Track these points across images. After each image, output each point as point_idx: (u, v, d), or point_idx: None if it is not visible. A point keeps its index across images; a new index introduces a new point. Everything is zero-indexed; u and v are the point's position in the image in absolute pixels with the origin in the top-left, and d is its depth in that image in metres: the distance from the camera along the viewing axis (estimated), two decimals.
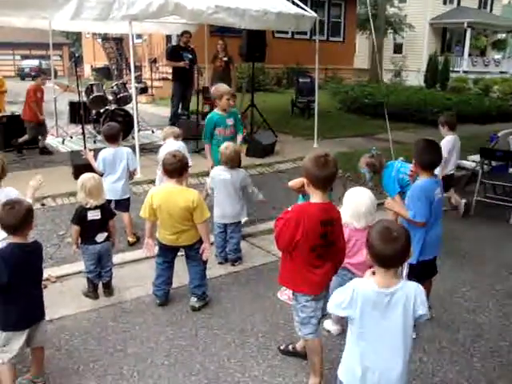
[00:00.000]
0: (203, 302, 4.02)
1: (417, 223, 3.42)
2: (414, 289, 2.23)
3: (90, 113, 9.65)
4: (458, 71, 25.74)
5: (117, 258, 4.60)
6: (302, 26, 8.60)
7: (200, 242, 3.87)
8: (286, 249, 2.85)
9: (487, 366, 3.34)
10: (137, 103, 10.30)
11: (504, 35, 30.53)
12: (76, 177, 5.54)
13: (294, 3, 8.71)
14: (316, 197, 2.79)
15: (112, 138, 5.09)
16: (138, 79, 19.10)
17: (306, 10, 8.72)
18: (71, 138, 9.47)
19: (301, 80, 13.37)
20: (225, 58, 10.21)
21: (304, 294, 2.92)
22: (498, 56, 29.91)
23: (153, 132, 10.37)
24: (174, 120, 10.48)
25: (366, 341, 2.25)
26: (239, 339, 3.57)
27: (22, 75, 31.25)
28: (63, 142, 9.22)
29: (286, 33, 18.39)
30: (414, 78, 23.44)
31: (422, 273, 3.58)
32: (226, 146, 4.78)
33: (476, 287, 4.47)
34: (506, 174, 7.01)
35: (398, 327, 2.21)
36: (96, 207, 3.95)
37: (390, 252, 2.13)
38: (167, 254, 3.99)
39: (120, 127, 5.31)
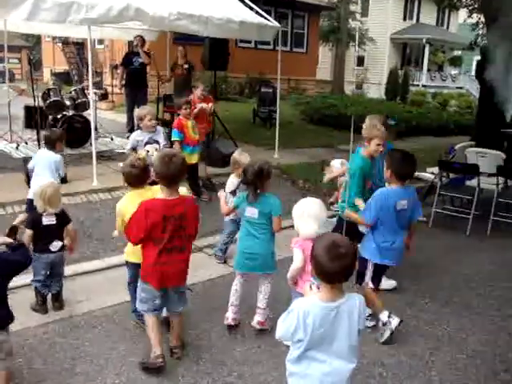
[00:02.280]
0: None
1: (363, 222, 3.66)
2: (358, 300, 2.21)
3: (46, 118, 9.33)
4: (418, 85, 26.43)
5: (68, 270, 4.39)
6: (264, 35, 8.58)
7: None
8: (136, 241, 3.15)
9: (445, 380, 3.32)
10: (96, 109, 10.10)
11: (460, 52, 31.58)
12: (29, 184, 5.33)
13: (257, 13, 8.69)
14: (162, 192, 3.12)
15: (48, 143, 5.21)
16: (99, 85, 18.83)
17: (269, 20, 8.71)
18: (26, 143, 9.11)
19: (263, 90, 13.40)
20: (185, 66, 10.11)
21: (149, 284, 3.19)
22: (454, 72, 30.87)
23: (112, 139, 10.12)
24: (132, 127, 10.33)
25: (314, 356, 2.18)
26: (194, 355, 3.44)
27: None
28: (17, 148, 8.86)
29: (249, 42, 18.43)
30: (376, 90, 23.94)
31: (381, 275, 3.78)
32: None
33: (435, 299, 4.48)
34: (463, 186, 7.14)
35: (345, 338, 2.17)
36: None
37: (338, 269, 2.06)
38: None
39: (60, 134, 5.44)
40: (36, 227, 3.74)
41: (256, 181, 3.54)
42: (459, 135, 13.45)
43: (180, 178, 3.13)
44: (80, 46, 19.99)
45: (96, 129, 10.35)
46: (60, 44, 20.37)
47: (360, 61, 28.81)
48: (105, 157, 8.28)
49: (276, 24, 8.78)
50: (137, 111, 5.65)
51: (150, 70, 10.47)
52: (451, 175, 7.20)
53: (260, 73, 18.48)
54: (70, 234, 3.95)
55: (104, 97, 17.00)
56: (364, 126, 4.61)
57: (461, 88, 28.44)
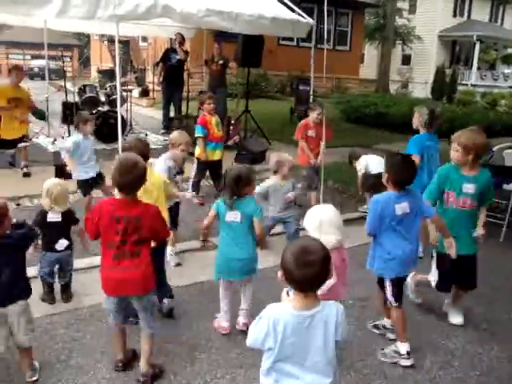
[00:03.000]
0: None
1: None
2: (336, 309, 2.07)
3: None
4: (467, 84, 25.49)
5: (82, 263, 4.45)
6: (297, 32, 8.45)
7: None
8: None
9: None
10: (131, 105, 10.27)
11: None
12: (57, 176, 5.44)
13: (289, 8, 8.56)
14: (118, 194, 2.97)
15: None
16: (140, 82, 19.16)
17: (302, 16, 8.56)
18: (62, 138, 9.35)
19: (300, 87, 13.22)
20: (220, 61, 10.10)
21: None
22: (507, 70, 29.57)
23: (146, 135, 10.24)
24: (167, 124, 10.43)
25: (285, 369, 2.06)
26: (189, 355, 3.38)
27: (30, 75, 31.40)
28: (53, 142, 9.11)
29: (292, 40, 18.29)
30: (422, 89, 23.25)
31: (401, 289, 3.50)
32: None
33: None
34: (500, 190, 6.77)
35: (320, 350, 2.03)
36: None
37: (306, 278, 1.94)
38: None
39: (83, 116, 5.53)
40: (41, 224, 3.78)
41: (233, 186, 3.46)
42: (506, 136, 12.84)
43: (140, 186, 2.92)
44: (125, 44, 20.41)
45: (131, 124, 10.59)
46: (106, 42, 20.88)
47: (406, 59, 28.08)
48: None
49: (309, 20, 8.61)
50: (173, 135, 4.81)
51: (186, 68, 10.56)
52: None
53: (301, 71, 18.29)
54: (79, 234, 3.98)
55: (145, 93, 17.36)
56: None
57: None
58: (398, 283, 3.43)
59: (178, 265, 4.79)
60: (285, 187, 4.95)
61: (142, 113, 14.72)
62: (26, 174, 7.27)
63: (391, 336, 3.63)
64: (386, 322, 3.73)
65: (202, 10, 6.96)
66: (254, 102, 16.39)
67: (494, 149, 7.69)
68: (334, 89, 19.87)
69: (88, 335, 3.55)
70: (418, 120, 5.33)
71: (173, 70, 10.06)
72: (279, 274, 3.02)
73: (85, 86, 9.74)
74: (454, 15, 28.22)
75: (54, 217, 3.79)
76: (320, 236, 3.04)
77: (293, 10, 8.58)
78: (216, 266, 3.64)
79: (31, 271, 4.32)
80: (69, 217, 3.90)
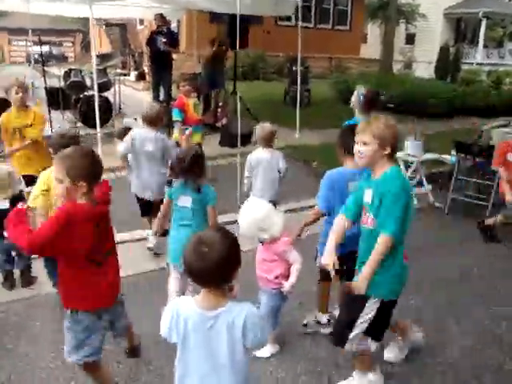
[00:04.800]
0: None
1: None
2: (246, 312, 1.87)
3: (69, 98, 9.46)
4: (472, 63, 24.95)
5: None
6: (280, 10, 8.26)
7: None
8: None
9: None
10: (120, 88, 10.15)
11: None
12: None
13: None
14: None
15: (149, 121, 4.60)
16: (137, 66, 18.98)
17: None
18: (51, 122, 9.27)
19: (295, 68, 12.95)
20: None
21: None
22: None
23: (135, 119, 10.12)
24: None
25: (186, 368, 1.95)
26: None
27: (30, 61, 31.36)
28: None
29: (289, 20, 17.96)
30: (425, 69, 22.81)
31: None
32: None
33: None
34: (487, 170, 6.58)
35: (225, 354, 1.88)
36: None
37: (200, 269, 1.79)
38: None
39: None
40: None
41: (183, 168, 3.32)
42: (507, 115, 12.54)
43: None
44: (122, 27, 20.24)
45: (120, 108, 10.50)
46: (104, 27, 20.73)
47: (410, 38, 27.53)
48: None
49: None
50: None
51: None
52: (478, 159, 6.65)
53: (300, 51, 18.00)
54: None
55: (141, 77, 17.18)
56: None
57: None
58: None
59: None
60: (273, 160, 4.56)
61: (137, 96, 14.58)
62: None
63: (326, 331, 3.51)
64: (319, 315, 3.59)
65: None
66: (250, 83, 16.24)
67: (484, 128, 7.51)
68: (332, 69, 19.54)
69: (38, 323, 3.51)
70: (352, 100, 4.69)
71: (159, 53, 9.91)
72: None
73: (70, 70, 9.60)
74: None
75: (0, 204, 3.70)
76: (263, 234, 2.97)
77: None
78: (169, 252, 3.56)
79: None
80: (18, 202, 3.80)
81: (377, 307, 2.62)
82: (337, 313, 3.50)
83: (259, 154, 4.58)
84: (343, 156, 3.20)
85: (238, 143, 6.55)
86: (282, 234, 3.04)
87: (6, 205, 3.69)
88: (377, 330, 2.71)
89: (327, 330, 3.49)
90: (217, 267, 1.78)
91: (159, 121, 4.65)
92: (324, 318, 3.53)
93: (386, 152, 2.51)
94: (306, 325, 3.58)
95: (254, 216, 2.95)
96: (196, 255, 1.78)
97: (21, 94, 4.68)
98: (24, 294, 3.90)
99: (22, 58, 32.10)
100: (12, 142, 4.77)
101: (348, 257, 2.79)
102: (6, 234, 3.68)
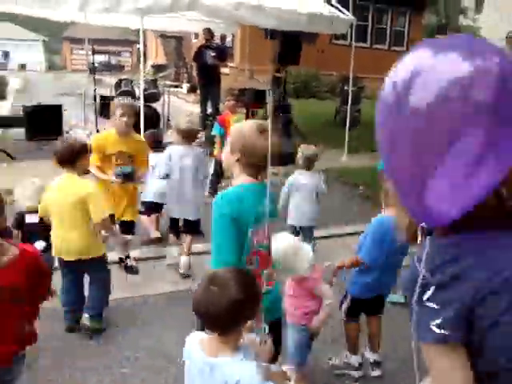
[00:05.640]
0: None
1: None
2: (241, 374, 1.60)
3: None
4: None
5: None
6: (336, 28, 8.05)
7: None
8: None
9: None
10: (169, 99, 10.19)
11: None
12: None
13: (329, 3, 8.15)
14: None
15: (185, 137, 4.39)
16: (189, 78, 19.24)
17: (342, 13, 8.14)
18: (97, 131, 9.40)
19: (346, 88, 12.69)
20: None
21: None
22: None
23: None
24: (202, 121, 10.28)
25: None
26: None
27: (91, 69, 32.49)
28: (88, 136, 9.15)
29: (345, 39, 17.72)
30: None
31: None
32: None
33: None
34: None
35: None
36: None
37: (204, 309, 1.59)
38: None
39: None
40: (20, 227, 3.63)
41: None
42: None
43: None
44: (178, 39, 20.60)
45: (168, 119, 10.55)
46: (160, 38, 21.15)
47: None
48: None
49: (350, 16, 8.19)
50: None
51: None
52: None
53: (353, 71, 17.72)
54: None
55: (193, 89, 17.38)
56: None
57: None
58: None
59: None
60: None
61: (187, 109, 14.69)
62: None
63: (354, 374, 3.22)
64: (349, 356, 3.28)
65: (231, 3, 6.70)
66: (303, 101, 16.08)
67: None
68: None
69: None
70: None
71: (206, 67, 9.86)
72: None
73: (121, 79, 9.74)
74: None
75: (31, 218, 3.60)
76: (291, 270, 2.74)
77: (332, 6, 8.18)
78: None
79: None
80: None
81: None
82: (368, 354, 3.23)
83: (297, 179, 4.43)
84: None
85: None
86: (313, 269, 2.80)
87: (35, 219, 3.57)
88: None
89: (356, 374, 3.20)
90: (226, 312, 1.56)
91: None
92: (354, 360, 3.23)
93: None
94: (333, 365, 3.30)
95: (279, 254, 2.72)
96: (205, 294, 1.58)
97: (125, 119, 4.08)
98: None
99: (82, 65, 33.39)
100: (103, 165, 4.18)
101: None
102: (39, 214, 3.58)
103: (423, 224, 0.96)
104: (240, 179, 2.12)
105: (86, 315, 3.48)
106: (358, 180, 7.57)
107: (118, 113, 4.07)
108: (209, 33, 9.69)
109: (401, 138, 0.93)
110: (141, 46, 6.66)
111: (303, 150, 4.56)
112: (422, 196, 0.92)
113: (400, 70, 0.95)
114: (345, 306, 3.10)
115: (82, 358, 3.21)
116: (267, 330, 1.78)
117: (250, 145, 2.04)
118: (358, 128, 12.04)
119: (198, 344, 1.68)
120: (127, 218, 4.27)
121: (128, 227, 4.32)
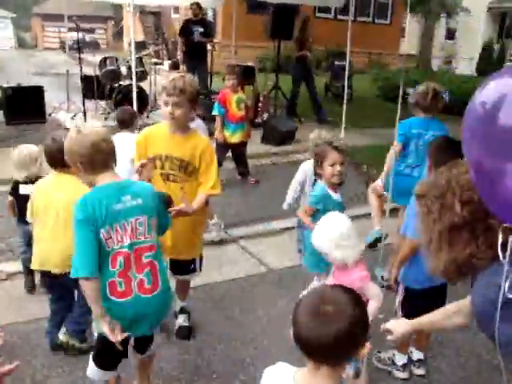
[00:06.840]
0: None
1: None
2: None
3: (104, 88, 9.11)
4: None
5: None
6: (328, 1, 7.71)
7: None
8: None
9: None
10: (155, 78, 9.74)
11: None
12: None
13: None
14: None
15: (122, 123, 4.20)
16: (171, 55, 18.66)
17: None
18: (84, 114, 8.89)
19: (336, 63, 12.41)
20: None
21: None
22: None
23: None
24: None
25: None
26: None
27: (63, 48, 31.38)
28: (73, 118, 8.68)
29: (329, 12, 17.36)
30: (466, 66, 21.94)
31: None
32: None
33: None
34: None
35: None
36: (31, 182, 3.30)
37: (316, 337, 1.30)
38: None
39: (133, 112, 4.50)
40: (15, 196, 3.45)
41: None
42: None
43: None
44: (157, 15, 19.88)
45: (155, 99, 10.10)
46: (138, 13, 20.36)
47: (451, 33, 26.54)
48: None
49: None
50: None
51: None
52: None
53: (338, 45, 17.36)
54: None
55: (175, 67, 16.85)
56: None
57: None
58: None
59: None
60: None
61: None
62: None
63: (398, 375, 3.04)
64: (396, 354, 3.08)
65: None
66: (287, 77, 15.69)
67: None
68: (372, 64, 18.87)
69: None
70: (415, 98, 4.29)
71: (194, 44, 9.42)
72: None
73: (105, 58, 9.21)
74: None
75: (25, 189, 3.33)
76: (337, 252, 2.52)
77: None
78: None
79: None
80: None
81: None
82: (416, 355, 3.04)
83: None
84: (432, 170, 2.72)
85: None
86: (357, 264, 2.57)
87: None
88: None
89: (401, 375, 3.00)
90: (344, 337, 1.28)
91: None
92: (400, 359, 3.02)
93: None
94: (379, 358, 3.11)
95: (336, 229, 2.54)
96: (316, 320, 1.31)
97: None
98: None
99: (54, 44, 32.13)
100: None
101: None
102: (28, 219, 3.24)
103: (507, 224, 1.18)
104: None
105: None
106: (361, 159, 7.35)
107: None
108: (198, 7, 9.23)
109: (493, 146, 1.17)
110: (125, 20, 6.25)
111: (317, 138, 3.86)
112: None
113: (488, 91, 1.23)
114: (399, 298, 2.85)
115: None
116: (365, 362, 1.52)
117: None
118: (351, 104, 11.83)
119: (291, 380, 1.40)
120: None
121: None
